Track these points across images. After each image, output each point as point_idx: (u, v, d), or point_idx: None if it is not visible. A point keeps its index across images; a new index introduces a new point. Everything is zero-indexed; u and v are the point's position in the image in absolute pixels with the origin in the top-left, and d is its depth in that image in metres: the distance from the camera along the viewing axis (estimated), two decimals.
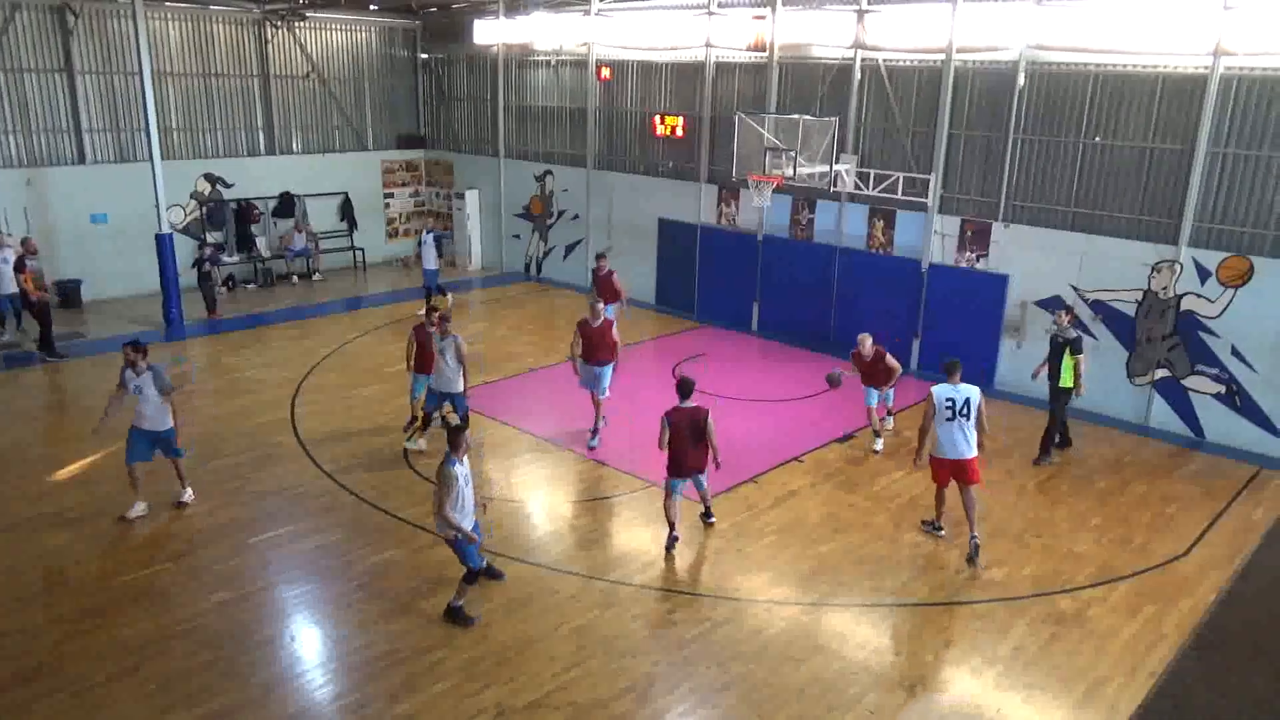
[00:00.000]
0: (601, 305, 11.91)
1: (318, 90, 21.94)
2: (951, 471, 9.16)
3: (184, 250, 18.23)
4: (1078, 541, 9.66)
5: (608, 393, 11.94)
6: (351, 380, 14.25)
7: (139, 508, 9.77)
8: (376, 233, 23.08)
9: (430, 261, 17.91)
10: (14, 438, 11.96)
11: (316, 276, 21.20)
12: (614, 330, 11.73)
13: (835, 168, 14.15)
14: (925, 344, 15.07)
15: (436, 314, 11.34)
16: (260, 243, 20.73)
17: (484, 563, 8.09)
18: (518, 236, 21.92)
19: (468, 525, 7.66)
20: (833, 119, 14.17)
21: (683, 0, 17.25)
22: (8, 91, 17.57)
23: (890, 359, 11.64)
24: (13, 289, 15.29)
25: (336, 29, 22.04)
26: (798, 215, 16.43)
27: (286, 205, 21.08)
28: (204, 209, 19.86)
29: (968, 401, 8.93)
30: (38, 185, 17.80)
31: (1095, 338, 13.25)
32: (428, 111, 23.91)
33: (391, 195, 23.44)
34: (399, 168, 23.50)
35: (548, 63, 20.49)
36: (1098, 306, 13.21)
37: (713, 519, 9.77)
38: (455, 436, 7.63)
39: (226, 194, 20.13)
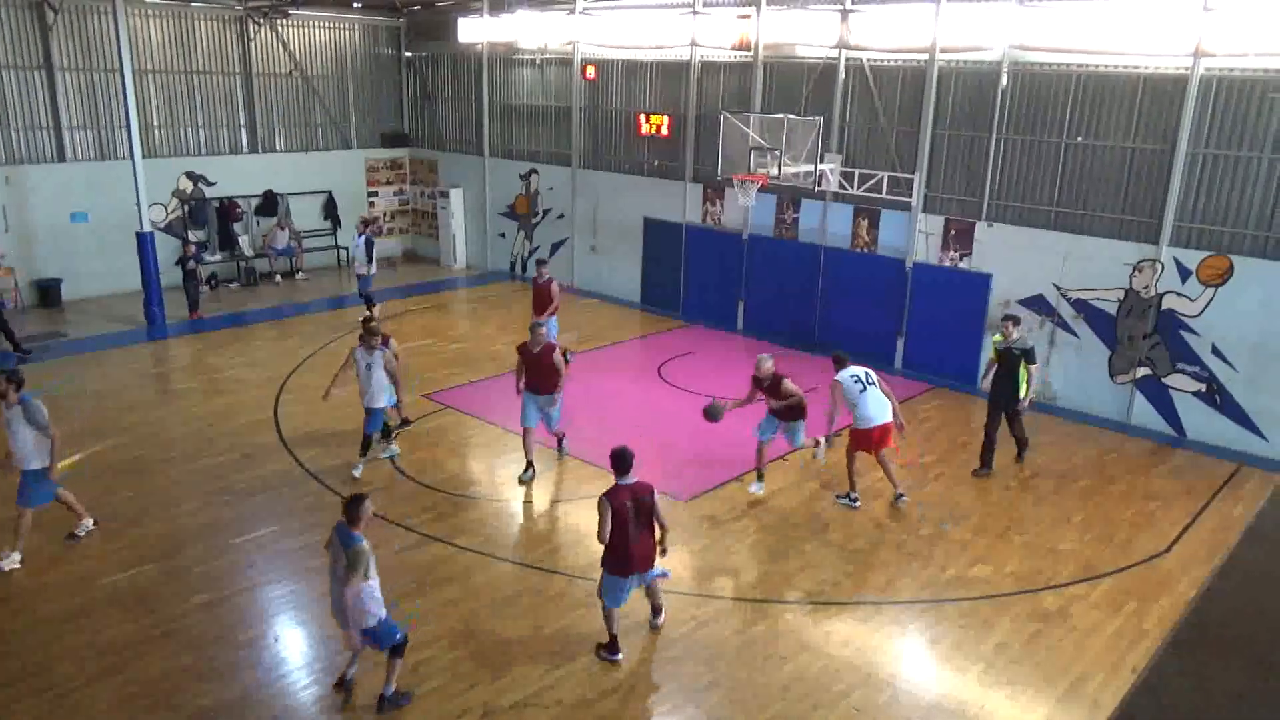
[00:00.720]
0: (544, 329, 10.73)
1: (301, 88, 21.80)
2: (876, 437, 9.96)
3: (165, 249, 18.08)
4: (1060, 539, 9.74)
5: (558, 427, 10.95)
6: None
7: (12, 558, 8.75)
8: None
9: (361, 267, 17.13)
10: None
11: (299, 275, 21.08)
12: (557, 354, 10.54)
13: (820, 167, 14.19)
14: (909, 343, 15.14)
15: (369, 323, 10.85)
16: (243, 241, 20.60)
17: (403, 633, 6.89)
18: (503, 235, 21.87)
19: (381, 612, 6.66)
20: (817, 118, 14.20)
21: None
22: None
23: (789, 385, 10.00)
24: None
25: (319, 26, 21.91)
26: (782, 214, 16.46)
27: (269, 203, 20.96)
28: (186, 207, 19.72)
29: (868, 374, 10.07)
30: (16, 183, 17.62)
31: (1077, 336, 13.35)
32: (412, 110, 23.81)
33: (376, 194, 23.33)
34: (383, 166, 23.40)
35: (532, 61, 20.44)
36: (1079, 305, 13.30)
37: (661, 620, 7.93)
38: (354, 509, 6.50)
39: (209, 192, 19.99)
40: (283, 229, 20.99)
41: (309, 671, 7.38)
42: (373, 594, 6.56)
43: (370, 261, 17.10)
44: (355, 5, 21.36)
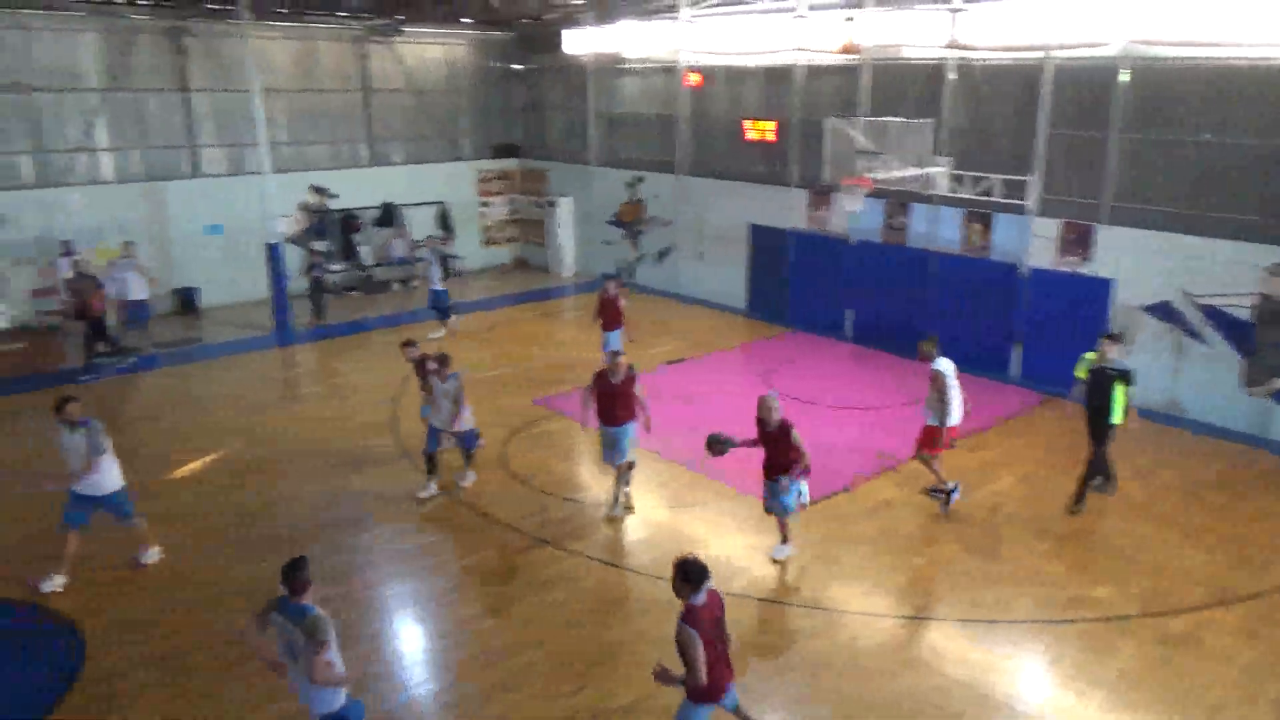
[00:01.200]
0: (624, 360, 10.04)
1: (415, 103, 22.59)
2: (955, 436, 10.08)
3: (292, 259, 18.96)
4: (1189, 560, 9.26)
5: (631, 455, 10.23)
6: None
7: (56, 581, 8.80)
8: (473, 241, 23.61)
9: (435, 280, 17.30)
10: (132, 438, 12.64)
11: (415, 283, 21.81)
12: (640, 385, 10.03)
13: (929, 170, 13.89)
14: (1027, 351, 14.64)
15: (429, 358, 10.67)
16: (363, 251, 21.44)
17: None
18: (610, 243, 22.13)
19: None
20: (926, 121, 13.90)
21: (772, 4, 17.20)
22: (129, 110, 18.65)
23: (797, 436, 8.67)
24: (141, 295, 16.23)
25: (433, 43, 22.67)
26: (891, 219, 16.17)
27: (387, 215, 21.75)
28: (312, 219, 20.64)
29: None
30: (157, 198, 18.80)
31: (1207, 344, 12.67)
32: (521, 121, 24.37)
33: (487, 204, 23.95)
34: (494, 177, 24.00)
35: (637, 70, 20.66)
36: (1210, 312, 12.62)
37: None
38: (297, 576, 5.74)
39: (332, 204, 20.89)
40: (399, 239, 21.76)
41: (423, 667, 7.65)
42: (338, 670, 5.68)
43: (443, 276, 17.36)
44: (465, 21, 22.01)
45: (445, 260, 17.70)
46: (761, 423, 8.77)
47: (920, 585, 8.79)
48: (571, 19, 21.27)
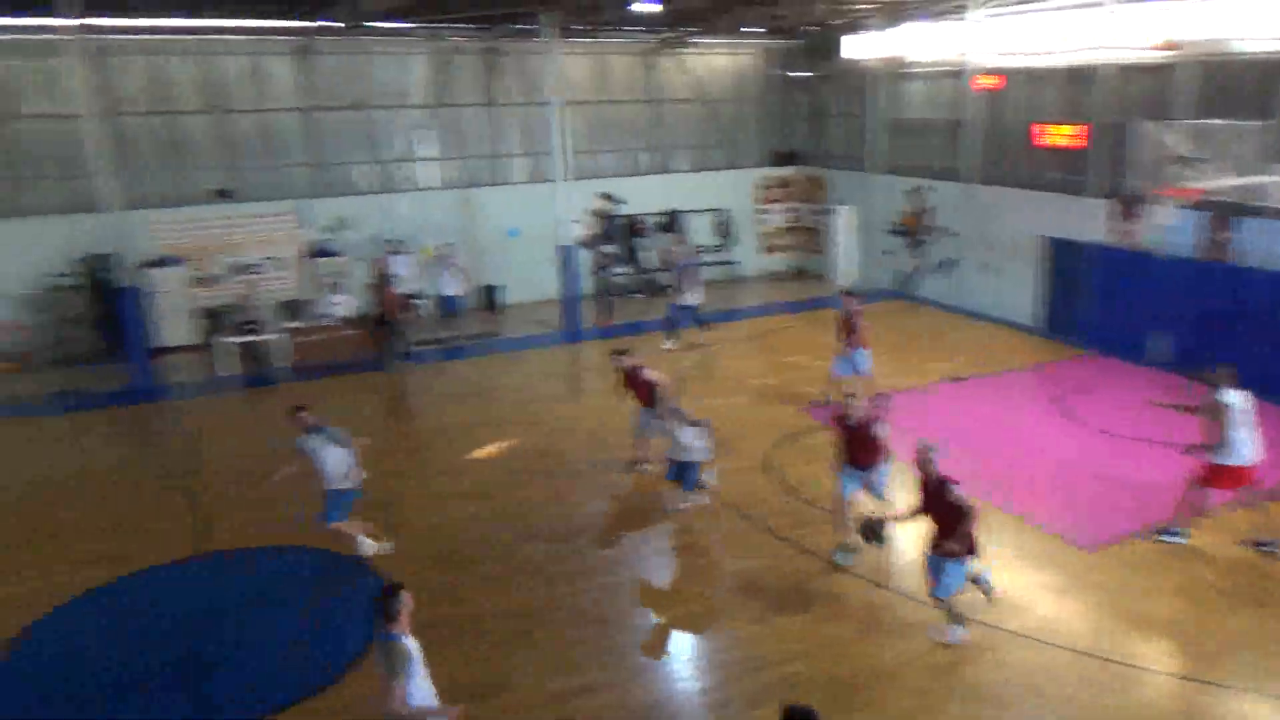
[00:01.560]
0: (858, 401, 9.51)
1: (700, 112, 23.28)
2: (1251, 478, 9.00)
3: (582, 262, 20.15)
4: None
5: (884, 495, 9.60)
6: (715, 388, 14.93)
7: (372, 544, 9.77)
8: (751, 248, 23.94)
9: (683, 294, 17.23)
10: (440, 420, 14.06)
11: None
12: (880, 426, 9.28)
13: (1261, 179, 12.30)
14: None
15: (639, 369, 11.32)
16: (646, 256, 22.40)
17: None
18: (889, 253, 21.59)
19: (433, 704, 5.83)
20: (1255, 124, 12.33)
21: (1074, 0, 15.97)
22: (449, 124, 20.75)
23: (957, 496, 7.56)
24: (455, 290, 18.02)
25: (717, 53, 23.23)
26: (1214, 233, 14.49)
27: (670, 221, 22.56)
28: (601, 224, 21.85)
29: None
30: (469, 203, 20.75)
31: None
32: (802, 128, 24.36)
33: (766, 211, 24.17)
34: (774, 184, 24.17)
35: (921, 75, 19.98)
36: None
37: None
38: (389, 605, 5.68)
39: (619, 211, 21.97)
40: (681, 245, 22.48)
41: (691, 665, 7.93)
42: (415, 703, 5.63)
43: (691, 288, 17.28)
44: (751, 31, 22.33)
45: (694, 271, 17.67)
46: (924, 478, 7.85)
47: (1236, 650, 7.83)
48: (856, 24, 20.96)
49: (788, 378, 15.44)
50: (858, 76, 21.90)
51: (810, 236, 24.11)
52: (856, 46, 21.02)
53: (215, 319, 17.95)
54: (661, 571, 9.45)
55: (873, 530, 8.43)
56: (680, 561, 9.61)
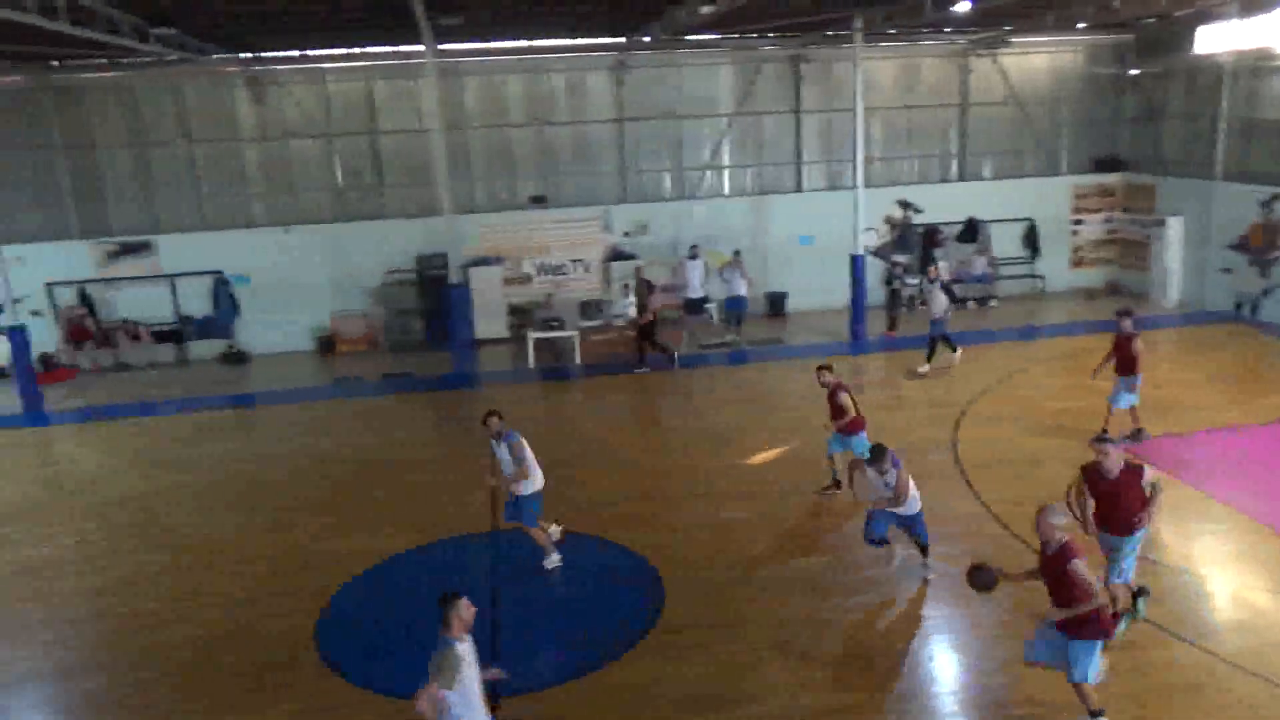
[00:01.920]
0: (1115, 448, 7.67)
1: (1013, 115, 21.89)
2: None
3: (871, 271, 19.75)
4: None
5: (1127, 578, 8.03)
6: (1015, 410, 14.02)
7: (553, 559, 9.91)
8: (1060, 261, 22.20)
9: (937, 311, 15.88)
10: (717, 422, 14.37)
11: (992, 303, 21.21)
12: (1149, 477, 7.64)
13: None
14: None
15: (843, 388, 10.82)
16: (941, 267, 21.45)
17: None
18: (1228, 271, 19.08)
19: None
20: None
21: None
22: (750, 132, 21.14)
23: (1078, 569, 6.41)
24: (741, 293, 18.38)
25: (1039, 52, 21.70)
26: None
27: (970, 231, 21.46)
28: (895, 233, 21.26)
29: None
30: (762, 210, 21.01)
31: None
32: (1130, 131, 22.15)
33: (1080, 222, 22.27)
34: (1091, 193, 22.21)
35: None
36: None
37: None
38: (444, 610, 5.77)
39: (916, 219, 21.25)
40: (980, 255, 21.34)
41: (956, 699, 7.55)
42: (458, 709, 5.67)
43: (944, 306, 16.07)
44: (1080, 26, 20.62)
45: (949, 289, 16.45)
46: (1043, 544, 6.74)
47: None
48: (1205, 15, 18.68)
49: (1089, 403, 14.16)
50: (1204, 72, 19.55)
51: (1130, 249, 21.88)
52: (1213, 38, 18.70)
53: (524, 315, 19.60)
54: (939, 597, 9.04)
55: (981, 578, 7.10)
56: (959, 587, 9.14)
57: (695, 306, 19.52)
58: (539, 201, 20.69)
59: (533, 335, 18.23)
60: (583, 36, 19.44)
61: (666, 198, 21.23)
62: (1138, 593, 8.17)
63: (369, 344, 20.02)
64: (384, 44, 18.77)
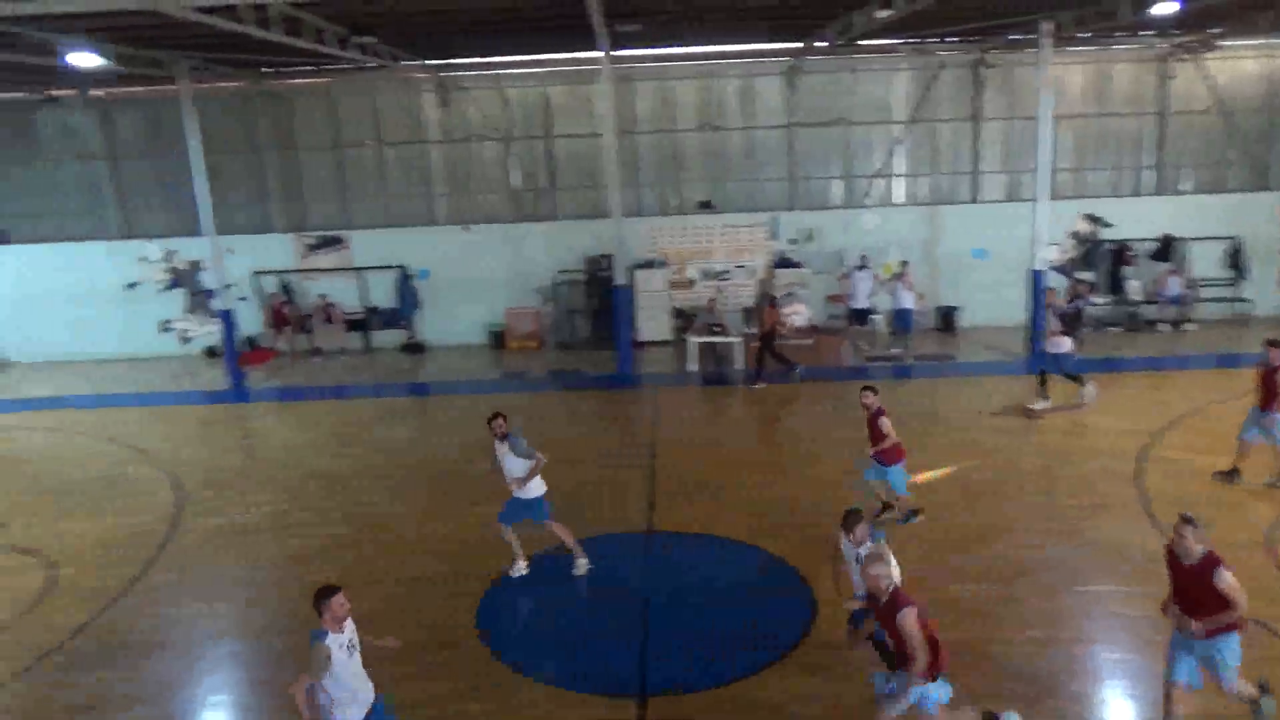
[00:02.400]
0: (1192, 528, 6.29)
1: (1218, 125, 20.32)
2: None
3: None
4: None
5: (1232, 686, 6.59)
6: (1208, 443, 13.02)
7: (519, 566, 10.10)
8: (1268, 283, 20.42)
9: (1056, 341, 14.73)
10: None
11: (1188, 326, 19.78)
12: (1224, 577, 6.18)
13: None
14: None
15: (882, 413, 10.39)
16: (1131, 286, 20.19)
17: None
18: None
19: (350, 709, 6.25)
20: None
21: None
22: (925, 139, 20.54)
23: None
24: (907, 306, 17.92)
25: (1250, 56, 20.05)
26: None
27: (1165, 248, 20.08)
28: (1081, 248, 20.16)
29: None
30: (935, 221, 20.38)
31: None
32: None
33: None
34: None
35: None
36: None
37: None
38: (318, 601, 6.24)
39: (1104, 234, 20.07)
40: (1176, 275, 19.92)
41: None
42: (333, 693, 6.13)
43: (1070, 335, 14.86)
44: None
45: (1070, 316, 15.06)
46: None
47: None
48: None
49: None
50: None
51: None
52: None
53: (686, 319, 19.80)
54: (1112, 638, 8.54)
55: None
56: (1134, 630, 8.62)
57: (861, 317, 19.17)
58: (706, 207, 20.86)
59: (695, 339, 18.38)
60: (756, 42, 19.45)
61: (835, 206, 20.93)
62: (1261, 690, 6.92)
63: (538, 340, 20.77)
64: (561, 51, 19.41)
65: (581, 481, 12.84)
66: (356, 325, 21.16)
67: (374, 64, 17.68)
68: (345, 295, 21.05)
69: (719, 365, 18.14)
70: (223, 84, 20.08)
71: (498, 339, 20.95)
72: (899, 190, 21.00)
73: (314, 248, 21.12)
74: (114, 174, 21.37)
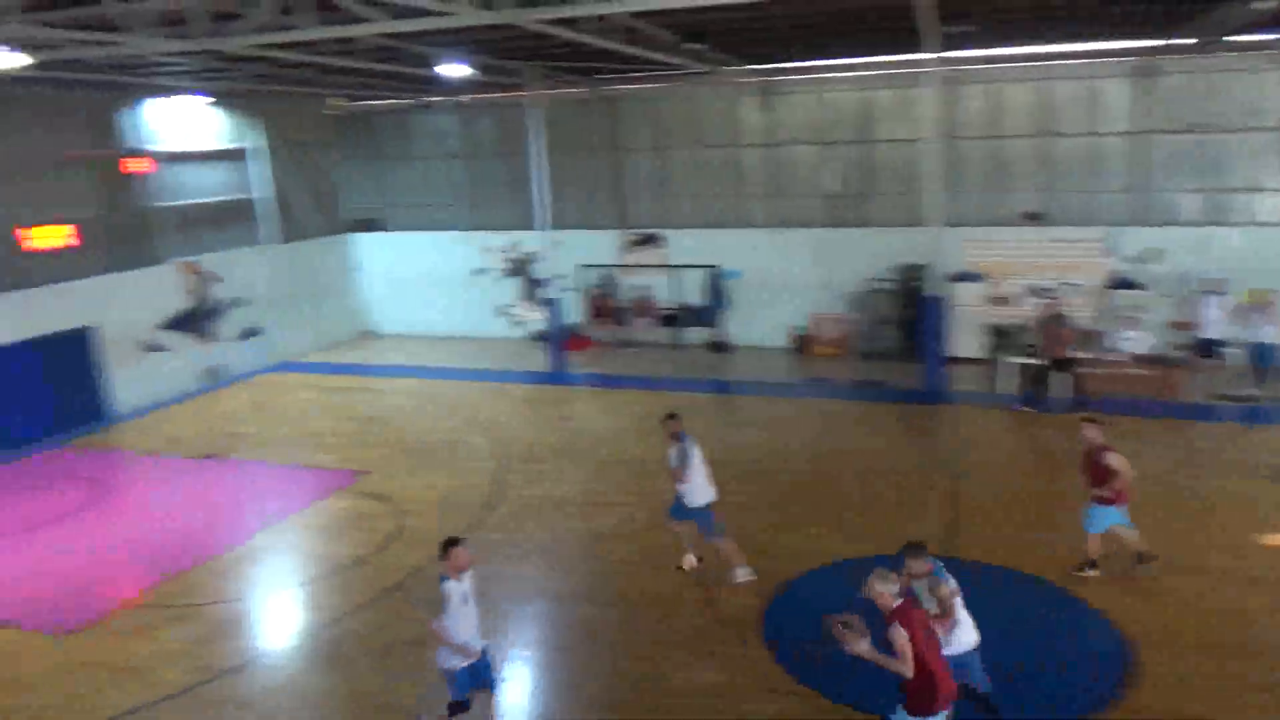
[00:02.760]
0: None
1: None
2: None
3: None
4: None
5: None
6: None
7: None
8: None
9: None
10: (1212, 489, 12.42)
11: None
12: None
13: None
14: None
15: None
16: None
17: (466, 698, 7.33)
18: None
19: (447, 664, 7.28)
20: None
21: None
22: None
23: None
24: (1268, 339, 15.73)
25: None
26: None
27: None
28: None
29: None
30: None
31: None
32: None
33: None
34: None
35: None
36: None
37: None
38: (443, 549, 7.29)
39: None
40: None
41: None
42: (454, 634, 7.18)
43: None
44: None
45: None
46: None
47: None
48: None
49: None
50: None
51: None
52: None
53: (1003, 337, 18.67)
54: None
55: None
56: None
57: (1208, 349, 17.00)
58: (1034, 219, 19.51)
59: (1012, 360, 17.30)
60: (1102, 40, 17.82)
61: (1186, 222, 18.72)
62: None
63: (842, 348, 20.59)
64: (886, 53, 19.00)
65: (877, 496, 12.66)
66: (668, 320, 22.16)
67: (700, 69, 18.36)
68: (659, 291, 22.11)
69: (1037, 388, 16.91)
70: (565, 91, 21.82)
71: (802, 344, 21.02)
72: (1265, 206, 18.34)
73: (634, 244, 22.40)
74: (469, 172, 24.00)
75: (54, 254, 17.07)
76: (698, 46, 16.66)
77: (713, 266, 21.60)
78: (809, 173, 21.24)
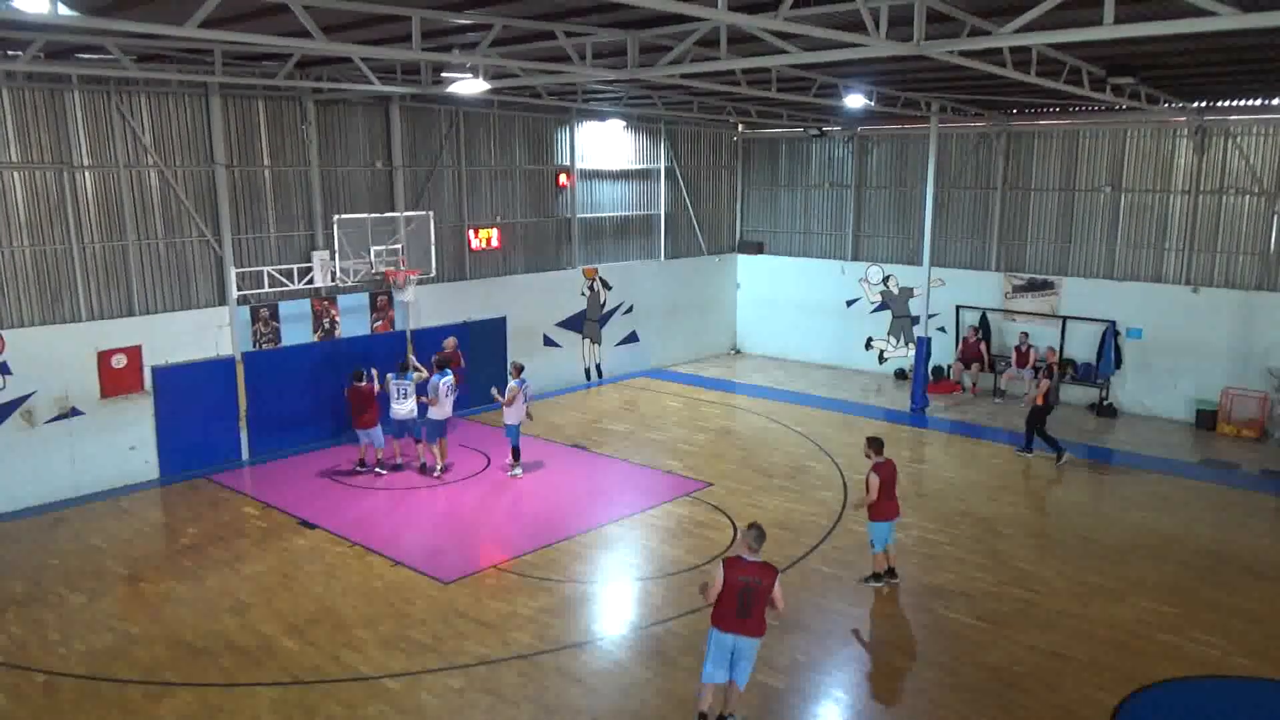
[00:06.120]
0: None
1: None
2: None
3: None
4: None
5: None
6: None
7: None
8: None
9: None
10: None
11: None
12: None
13: None
14: None
15: None
16: None
17: None
18: None
19: None
20: None
21: None
22: None
23: None
24: None
25: None
26: None
27: None
28: None
29: None
30: None
31: None
32: None
33: None
34: None
35: None
36: None
37: None
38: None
39: None
40: None
41: None
42: None
43: None
44: None
45: None
46: None
47: None
48: None
49: None
50: None
51: None
52: None
53: None
54: None
55: None
56: None
57: None
58: None
59: None
60: None
61: None
62: None
63: (1259, 430, 17.64)
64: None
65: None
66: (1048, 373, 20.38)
67: (1126, 105, 16.70)
68: (1041, 340, 20.44)
69: None
70: (966, 124, 20.96)
71: (1206, 419, 18.30)
72: None
73: (1020, 289, 20.94)
74: (856, 201, 23.91)
75: (486, 252, 19.84)
76: (1125, 81, 15.19)
77: (1110, 321, 19.55)
78: (1246, 226, 18.44)
